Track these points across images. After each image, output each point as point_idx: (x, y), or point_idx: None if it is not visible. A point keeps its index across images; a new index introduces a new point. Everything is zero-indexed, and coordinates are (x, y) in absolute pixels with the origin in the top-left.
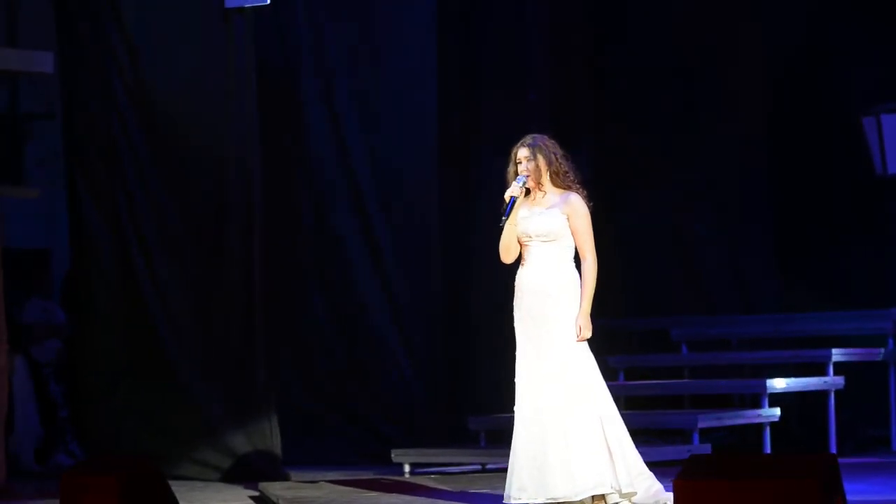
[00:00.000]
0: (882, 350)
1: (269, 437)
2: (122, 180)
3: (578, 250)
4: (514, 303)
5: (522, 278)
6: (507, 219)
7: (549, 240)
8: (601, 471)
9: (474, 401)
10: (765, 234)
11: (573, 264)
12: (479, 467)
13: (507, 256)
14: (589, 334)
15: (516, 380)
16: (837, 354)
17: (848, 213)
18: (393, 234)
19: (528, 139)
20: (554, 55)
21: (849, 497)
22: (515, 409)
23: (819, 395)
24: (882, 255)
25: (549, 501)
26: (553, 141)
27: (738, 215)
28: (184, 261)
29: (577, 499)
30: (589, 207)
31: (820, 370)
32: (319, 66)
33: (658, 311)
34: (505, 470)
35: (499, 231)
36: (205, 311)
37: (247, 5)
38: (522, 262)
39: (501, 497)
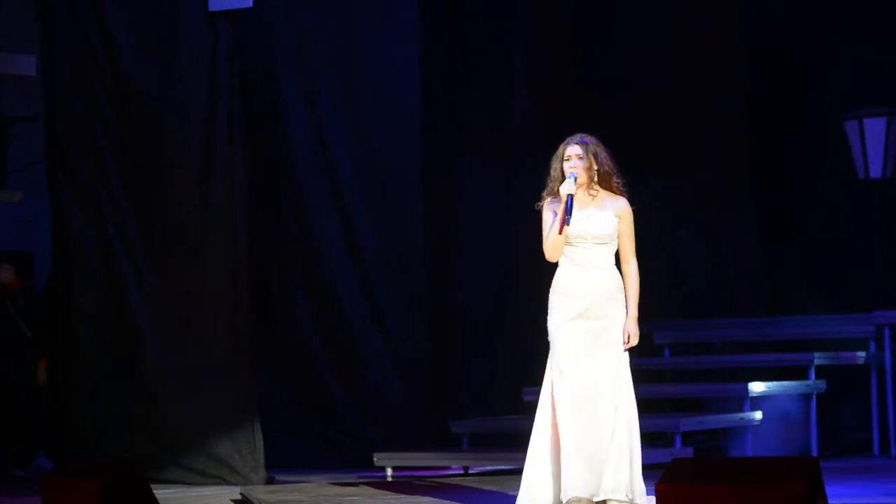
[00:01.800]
0: (864, 353)
1: (253, 441)
2: (106, 183)
3: (622, 254)
4: (557, 303)
5: (572, 279)
6: (570, 217)
7: (602, 242)
8: (625, 476)
9: (457, 404)
10: (748, 238)
11: (616, 266)
12: (462, 471)
13: (555, 255)
14: (636, 341)
15: (556, 390)
16: (819, 358)
17: (832, 216)
18: (375, 238)
19: (578, 137)
20: (539, 60)
21: (831, 500)
22: (559, 421)
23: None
24: (865, 258)
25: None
26: (599, 140)
27: (722, 219)
28: (168, 264)
29: (599, 498)
30: (634, 211)
31: (802, 374)
32: (302, 69)
33: (641, 316)
34: (487, 473)
35: (491, 233)
36: (190, 315)
37: (230, 8)
38: (570, 263)
39: (483, 499)
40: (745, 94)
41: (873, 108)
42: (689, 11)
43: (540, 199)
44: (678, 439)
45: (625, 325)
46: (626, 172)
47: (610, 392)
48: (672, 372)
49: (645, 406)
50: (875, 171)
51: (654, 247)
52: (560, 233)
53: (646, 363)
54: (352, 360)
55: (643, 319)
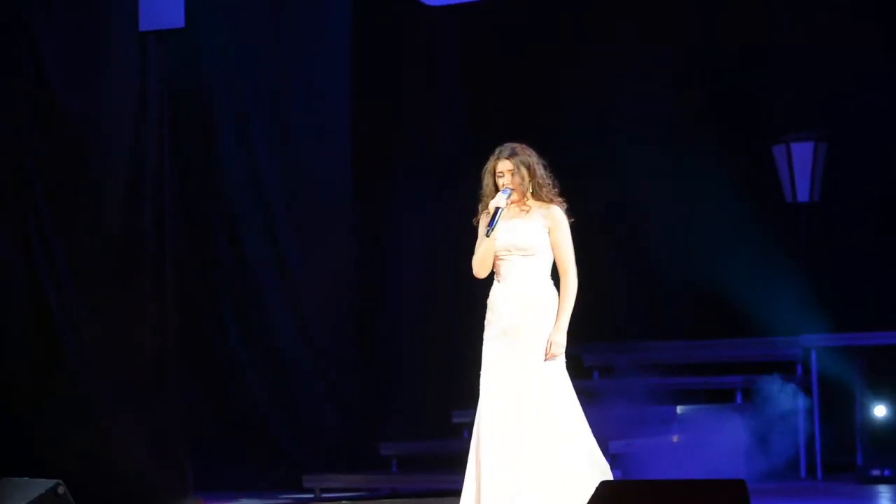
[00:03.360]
0: (791, 376)
1: (181, 463)
2: (33, 205)
3: (559, 265)
4: (488, 319)
5: (499, 294)
6: (492, 230)
7: (529, 254)
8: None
9: (387, 426)
10: (676, 259)
11: (551, 279)
12: (391, 492)
13: (482, 271)
14: (560, 352)
15: (481, 411)
16: (746, 381)
17: (760, 240)
18: (306, 259)
19: (508, 149)
20: (470, 83)
21: None
22: (482, 436)
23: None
24: (792, 281)
25: None
26: (531, 149)
27: (649, 241)
28: (97, 289)
29: None
30: (570, 222)
31: (730, 397)
32: (234, 91)
33: (569, 338)
34: (416, 495)
35: (426, 253)
36: (118, 340)
37: (161, 28)
38: (498, 278)
39: None
40: (672, 117)
41: (801, 132)
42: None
43: (476, 213)
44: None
45: (549, 335)
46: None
47: (539, 414)
48: (601, 394)
49: None
50: (802, 194)
51: (582, 270)
52: (480, 244)
53: (575, 386)
54: (283, 381)
55: (570, 342)
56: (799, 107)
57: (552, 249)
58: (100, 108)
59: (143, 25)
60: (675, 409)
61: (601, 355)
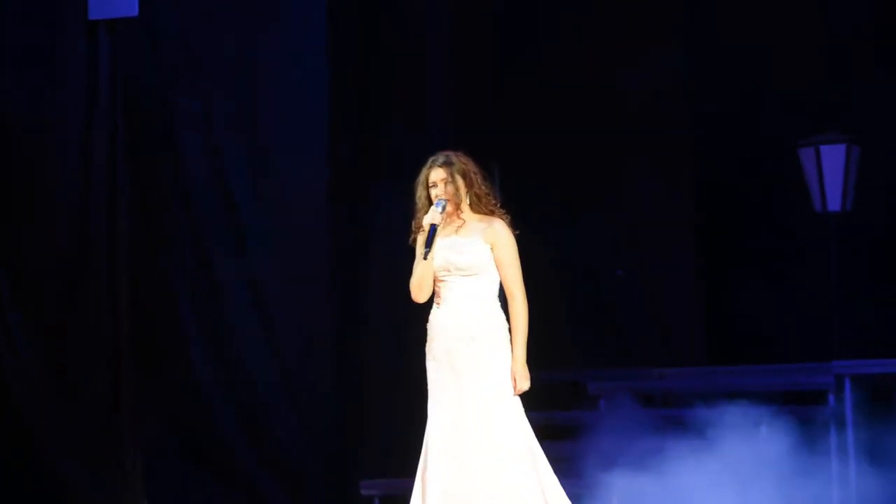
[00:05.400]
0: (823, 407)
1: (139, 500)
2: None
3: (505, 287)
4: (427, 349)
5: (439, 320)
6: (430, 250)
7: (470, 274)
8: None
9: (367, 463)
10: (691, 278)
11: (498, 302)
12: None
13: (421, 295)
14: (527, 386)
15: (427, 439)
16: (771, 413)
17: (785, 255)
18: (278, 278)
19: (441, 157)
20: (458, 77)
21: None
22: (426, 475)
23: None
24: (822, 300)
25: None
26: (468, 157)
27: (663, 255)
28: (40, 305)
29: None
30: (515, 235)
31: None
32: (196, 84)
33: (574, 363)
34: None
35: (405, 270)
36: (63, 363)
37: (113, 16)
38: (438, 302)
39: None
40: (689, 119)
41: (831, 133)
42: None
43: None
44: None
45: (511, 368)
46: (552, 203)
47: (483, 451)
48: (608, 426)
49: (578, 463)
50: (833, 203)
51: (588, 286)
52: (416, 267)
53: (579, 416)
54: (254, 414)
55: (577, 366)
56: (828, 106)
57: (497, 268)
58: (44, 105)
59: (93, 13)
60: (688, 443)
61: (608, 382)
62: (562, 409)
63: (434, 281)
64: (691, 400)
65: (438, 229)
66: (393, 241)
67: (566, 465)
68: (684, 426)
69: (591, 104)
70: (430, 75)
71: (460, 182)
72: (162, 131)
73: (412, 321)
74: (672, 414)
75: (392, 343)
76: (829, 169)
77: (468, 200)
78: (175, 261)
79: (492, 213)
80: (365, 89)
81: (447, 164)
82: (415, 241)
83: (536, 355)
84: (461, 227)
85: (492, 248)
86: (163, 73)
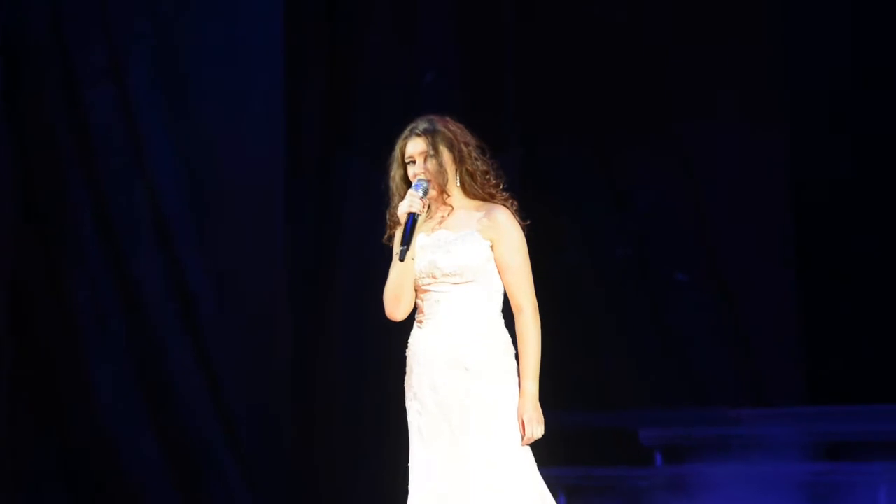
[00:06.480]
0: None
1: None
2: None
3: (510, 297)
4: (406, 384)
5: (421, 344)
6: (407, 249)
7: (462, 281)
8: None
9: None
10: (779, 296)
11: (501, 319)
12: None
13: (397, 309)
14: (540, 433)
15: (411, 491)
16: (888, 470)
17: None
18: (216, 282)
19: (423, 123)
20: (454, 29)
21: None
22: None
23: None
24: None
25: None
26: (459, 125)
27: (740, 262)
28: None
29: None
30: (524, 228)
31: (867, 496)
32: (108, 36)
33: (621, 404)
34: None
35: (382, 272)
36: None
37: None
38: (419, 319)
39: None
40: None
41: None
42: None
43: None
44: None
45: (519, 408)
46: (587, 186)
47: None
48: (667, 487)
49: None
50: None
51: (636, 300)
52: (392, 271)
53: (627, 474)
54: (183, 463)
55: (620, 407)
56: None
57: (499, 272)
58: None
59: None
60: None
61: (666, 429)
62: (603, 463)
63: (416, 291)
64: (784, 452)
65: (419, 220)
66: (371, 231)
67: None
68: (774, 488)
69: None
70: (420, 22)
71: (446, 156)
72: (59, 95)
73: (390, 344)
74: (755, 472)
75: (365, 365)
76: None
77: (458, 181)
78: (82, 260)
79: (491, 198)
80: (334, 41)
81: (428, 133)
82: (391, 238)
83: (553, 390)
84: (449, 216)
85: (492, 246)
86: (66, 20)
